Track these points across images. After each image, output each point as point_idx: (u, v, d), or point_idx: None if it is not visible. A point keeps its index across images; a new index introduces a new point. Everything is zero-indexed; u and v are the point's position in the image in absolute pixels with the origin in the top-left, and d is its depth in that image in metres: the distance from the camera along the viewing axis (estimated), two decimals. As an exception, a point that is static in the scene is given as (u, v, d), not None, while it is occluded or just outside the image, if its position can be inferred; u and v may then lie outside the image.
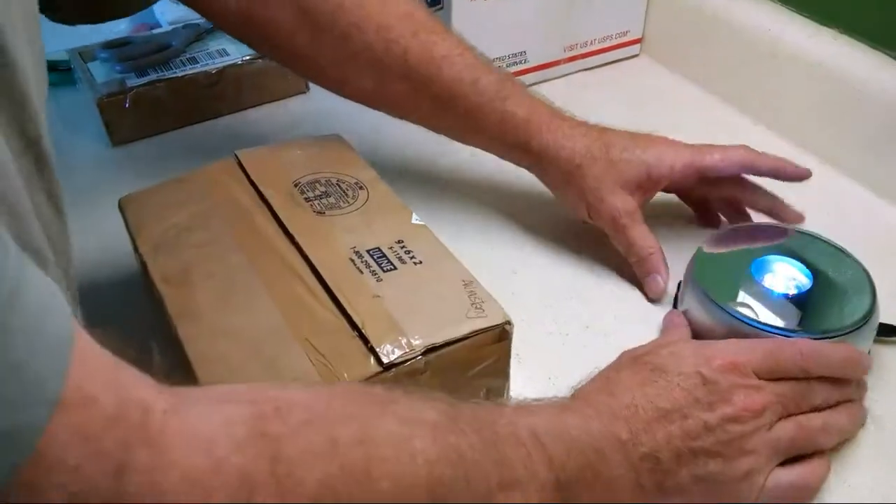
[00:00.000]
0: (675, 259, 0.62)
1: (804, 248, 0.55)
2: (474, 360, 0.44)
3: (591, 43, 0.86)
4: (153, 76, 0.75)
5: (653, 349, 0.45)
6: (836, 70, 0.69)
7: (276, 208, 0.51)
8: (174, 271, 0.48)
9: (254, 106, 0.80)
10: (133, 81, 0.75)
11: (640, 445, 0.39)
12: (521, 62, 0.82)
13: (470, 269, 0.62)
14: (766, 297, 0.52)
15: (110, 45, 0.79)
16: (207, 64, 0.78)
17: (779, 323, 0.50)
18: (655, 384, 0.42)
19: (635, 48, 0.90)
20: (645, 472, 0.39)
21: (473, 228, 0.66)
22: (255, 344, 0.42)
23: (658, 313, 0.58)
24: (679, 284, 0.58)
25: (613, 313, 0.58)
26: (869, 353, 0.53)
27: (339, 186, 0.54)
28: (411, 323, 0.43)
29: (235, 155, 0.57)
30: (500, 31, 0.79)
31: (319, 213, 0.51)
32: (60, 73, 0.83)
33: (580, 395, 0.43)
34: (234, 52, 0.80)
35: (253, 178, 0.54)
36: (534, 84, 0.85)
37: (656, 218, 0.67)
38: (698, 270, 0.54)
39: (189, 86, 0.76)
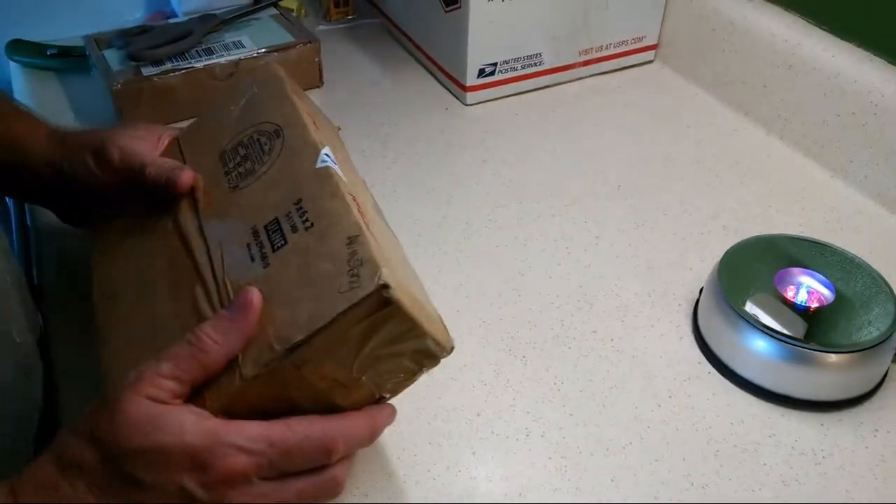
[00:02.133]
0: (699, 265, 0.62)
1: (832, 263, 0.56)
2: (365, 334, 0.38)
3: (606, 48, 0.86)
4: (168, 65, 0.76)
5: (140, 439, 0.36)
6: (852, 84, 0.69)
7: (197, 195, 0.50)
8: (107, 284, 0.49)
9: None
10: (148, 70, 0.75)
11: None
12: (536, 64, 0.82)
13: (476, 269, 0.62)
14: (785, 307, 0.53)
15: (126, 33, 0.79)
16: (223, 55, 0.78)
17: (793, 333, 0.50)
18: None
19: (650, 54, 0.89)
20: None
21: (481, 224, 0.66)
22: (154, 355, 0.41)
23: (667, 321, 0.58)
24: (701, 290, 0.58)
25: (621, 319, 0.58)
26: (887, 372, 0.53)
27: (259, 142, 0.49)
28: (280, 322, 0.39)
29: (177, 140, 0.55)
30: (516, 33, 0.79)
31: (234, 187, 0.48)
32: (75, 59, 0.84)
33: None
34: (249, 43, 0.80)
35: (187, 160, 0.52)
36: (548, 87, 0.85)
37: (680, 224, 0.67)
38: (721, 276, 0.55)
39: (204, 76, 0.76)
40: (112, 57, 0.77)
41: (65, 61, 0.85)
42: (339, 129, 0.49)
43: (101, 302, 0.49)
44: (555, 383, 0.53)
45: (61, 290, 0.60)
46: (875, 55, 0.69)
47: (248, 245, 0.44)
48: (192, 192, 0.50)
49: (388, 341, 0.39)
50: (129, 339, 0.45)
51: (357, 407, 0.41)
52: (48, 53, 0.85)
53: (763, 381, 0.52)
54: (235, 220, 0.46)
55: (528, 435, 0.50)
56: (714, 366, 0.54)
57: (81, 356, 0.54)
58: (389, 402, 0.43)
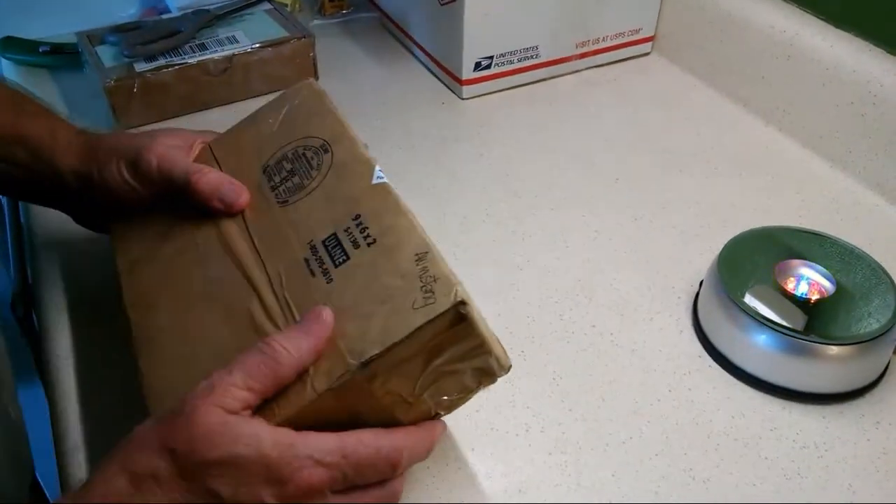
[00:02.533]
0: (698, 258, 0.62)
1: (832, 254, 0.55)
2: (434, 350, 0.39)
3: (603, 40, 0.85)
4: (162, 61, 0.75)
5: (217, 451, 0.35)
6: (850, 74, 0.69)
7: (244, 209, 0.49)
8: (142, 293, 0.48)
9: (263, 94, 0.80)
10: (141, 66, 0.74)
11: None
12: (532, 57, 0.82)
13: (473, 264, 0.62)
14: (785, 299, 0.52)
15: (119, 30, 0.79)
16: (217, 51, 0.77)
17: (793, 325, 0.50)
18: None
19: (647, 46, 0.89)
20: None
21: (479, 220, 0.66)
22: (205, 373, 0.40)
23: (667, 315, 0.57)
24: (700, 283, 0.57)
25: (620, 313, 0.58)
26: (888, 363, 0.53)
27: (305, 157, 0.49)
28: (351, 336, 0.39)
29: (209, 147, 0.54)
30: (512, 26, 0.79)
31: (283, 202, 0.48)
32: (67, 55, 0.83)
33: None
34: (243, 39, 0.79)
35: (223, 169, 0.51)
36: (544, 80, 0.84)
37: (678, 217, 0.66)
38: (721, 268, 0.54)
39: (198, 72, 0.76)
40: (105, 53, 0.76)
41: (57, 58, 0.84)
42: (366, 145, 0.49)
43: (137, 313, 0.47)
44: (554, 378, 0.53)
45: (58, 295, 0.59)
46: (874, 45, 0.68)
47: (307, 260, 0.43)
48: None
49: (455, 358, 0.39)
50: (175, 352, 0.44)
51: (414, 423, 0.41)
52: (41, 50, 0.84)
53: (764, 374, 0.52)
54: (289, 235, 0.45)
55: (527, 430, 0.49)
56: (714, 359, 0.54)
57: (80, 363, 0.53)
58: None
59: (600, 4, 0.82)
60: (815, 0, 0.73)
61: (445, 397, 0.41)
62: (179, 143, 0.52)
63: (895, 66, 0.67)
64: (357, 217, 0.44)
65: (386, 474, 0.39)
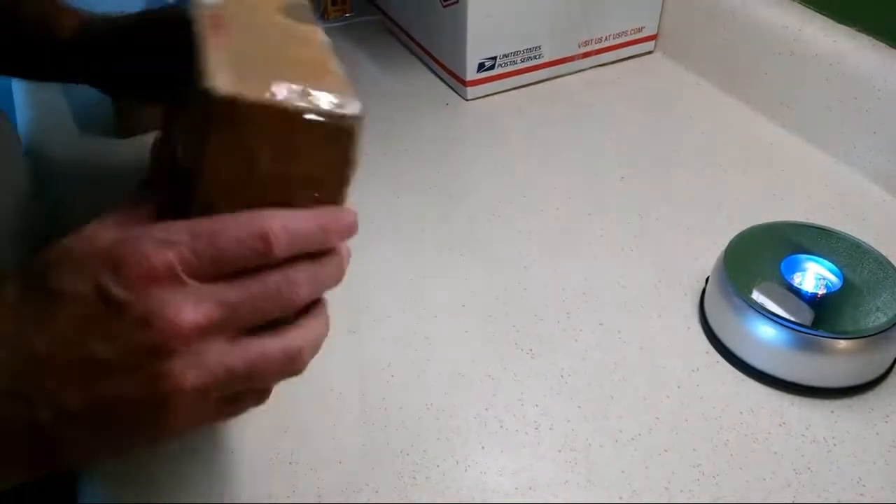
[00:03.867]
0: (704, 255, 0.62)
1: (838, 249, 0.55)
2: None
3: (606, 39, 0.85)
4: (166, 66, 0.75)
5: (51, 254, 0.34)
6: (854, 69, 0.69)
7: None
8: None
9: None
10: (146, 71, 0.74)
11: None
12: (535, 57, 0.82)
13: (481, 263, 0.62)
14: (792, 293, 0.53)
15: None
16: (221, 55, 0.77)
17: (800, 320, 0.50)
18: (40, 319, 0.32)
19: (650, 45, 0.89)
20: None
21: (485, 219, 0.66)
22: None
23: (674, 312, 0.58)
24: (707, 279, 0.57)
25: (627, 311, 0.58)
26: (895, 360, 0.53)
27: None
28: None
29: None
30: (515, 26, 0.79)
31: None
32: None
33: None
34: (247, 43, 0.79)
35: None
36: (548, 80, 0.85)
37: (684, 214, 0.66)
38: (727, 264, 0.54)
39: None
40: (110, 59, 0.77)
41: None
42: None
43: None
44: (562, 376, 0.53)
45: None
46: (877, 40, 0.69)
47: None
48: None
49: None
50: None
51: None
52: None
53: (772, 370, 0.52)
54: None
55: (537, 428, 0.49)
56: (722, 355, 0.54)
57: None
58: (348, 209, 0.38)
59: (602, 3, 0.82)
60: (817, -4, 0.73)
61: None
62: None
63: (899, 60, 0.67)
64: None
65: (256, 248, 0.33)
